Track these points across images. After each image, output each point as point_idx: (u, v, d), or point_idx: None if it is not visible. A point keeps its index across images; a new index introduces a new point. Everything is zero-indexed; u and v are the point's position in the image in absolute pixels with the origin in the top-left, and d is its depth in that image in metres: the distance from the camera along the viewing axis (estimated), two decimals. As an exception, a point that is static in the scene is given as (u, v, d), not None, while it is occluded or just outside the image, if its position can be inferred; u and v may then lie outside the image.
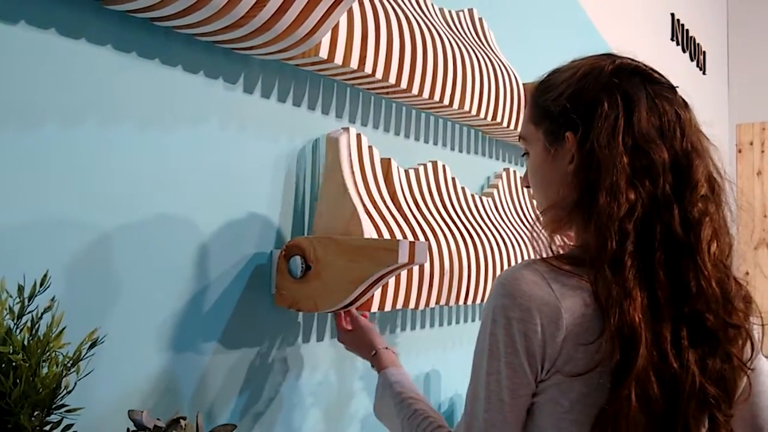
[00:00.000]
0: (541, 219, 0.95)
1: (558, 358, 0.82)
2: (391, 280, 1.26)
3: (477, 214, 1.78)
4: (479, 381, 0.86)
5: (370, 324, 1.30)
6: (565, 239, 0.95)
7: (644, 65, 0.93)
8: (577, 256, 0.87)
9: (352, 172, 1.36)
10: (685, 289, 0.83)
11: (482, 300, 1.72)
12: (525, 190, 2.12)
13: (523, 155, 1.01)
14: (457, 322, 1.90)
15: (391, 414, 1.09)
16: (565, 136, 0.90)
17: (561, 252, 0.91)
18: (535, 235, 0.94)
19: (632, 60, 0.93)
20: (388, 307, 1.39)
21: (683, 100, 0.92)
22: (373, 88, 1.49)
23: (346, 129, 1.37)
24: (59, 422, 0.83)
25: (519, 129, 1.01)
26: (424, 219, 1.53)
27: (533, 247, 0.94)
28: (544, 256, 0.90)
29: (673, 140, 0.87)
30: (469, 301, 1.67)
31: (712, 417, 0.83)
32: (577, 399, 0.82)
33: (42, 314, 0.82)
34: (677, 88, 0.93)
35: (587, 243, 0.87)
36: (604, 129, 0.86)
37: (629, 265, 0.82)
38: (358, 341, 1.27)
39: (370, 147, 1.45)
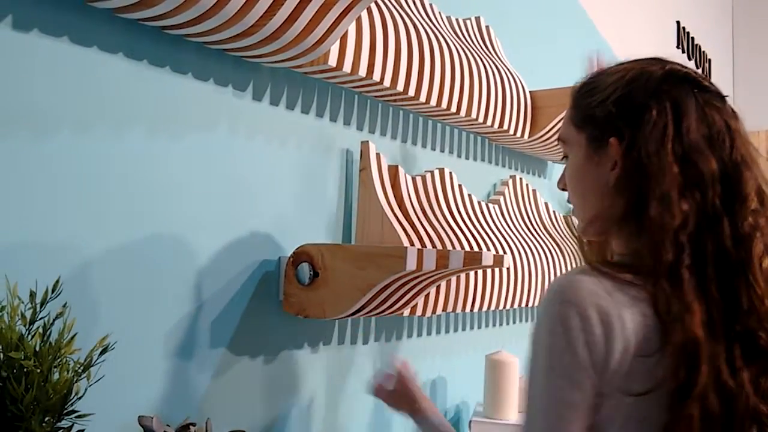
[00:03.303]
0: (581, 226, 0.93)
1: (618, 371, 0.78)
2: (395, 287, 1.26)
3: (483, 221, 1.78)
4: (537, 393, 0.80)
5: (412, 377, 1.26)
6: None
7: (694, 72, 0.89)
8: (632, 265, 0.83)
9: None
10: (736, 305, 0.80)
11: (488, 307, 1.72)
12: (531, 197, 2.12)
13: (562, 159, 0.98)
14: (464, 329, 1.90)
15: None
16: (608, 141, 0.87)
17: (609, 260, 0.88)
18: (583, 241, 0.92)
19: (682, 66, 0.89)
20: (394, 313, 1.40)
21: (732, 110, 0.88)
22: (381, 96, 1.50)
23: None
24: (70, 428, 0.83)
25: (559, 131, 0.96)
26: (431, 226, 1.54)
27: (581, 255, 0.91)
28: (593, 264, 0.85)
29: (722, 151, 0.84)
30: (476, 308, 1.68)
31: None
32: (635, 416, 0.78)
33: (54, 320, 0.83)
34: (727, 98, 0.89)
35: (639, 253, 0.83)
36: (653, 136, 0.83)
37: (686, 278, 0.79)
38: (400, 399, 1.24)
39: (377, 154, 1.46)
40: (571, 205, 0.98)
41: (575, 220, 0.98)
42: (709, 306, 0.79)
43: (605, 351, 0.77)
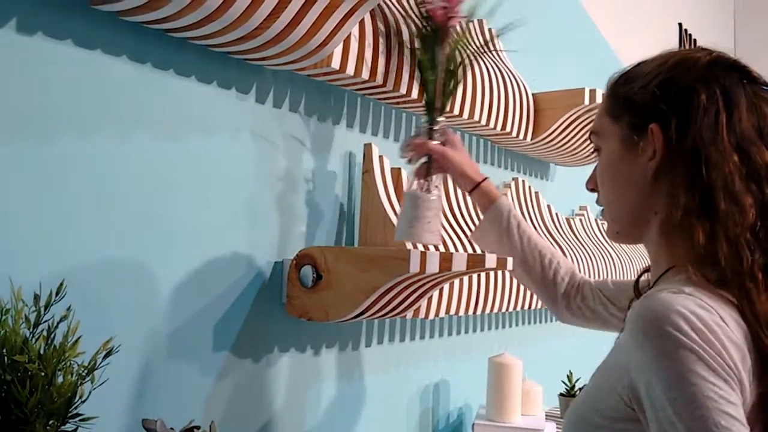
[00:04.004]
0: (613, 227, 0.88)
1: (743, 380, 0.70)
2: (398, 289, 1.26)
3: (486, 224, 1.78)
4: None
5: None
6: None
7: (742, 61, 0.85)
8: (714, 275, 0.75)
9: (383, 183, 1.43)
10: None
11: (492, 309, 1.72)
12: (533, 199, 2.11)
13: (593, 152, 0.92)
14: (467, 331, 1.89)
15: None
16: (649, 128, 0.81)
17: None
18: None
19: (729, 55, 0.85)
20: (397, 316, 1.39)
21: None
22: (384, 98, 1.50)
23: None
24: (74, 431, 0.83)
25: (592, 125, 0.91)
26: (434, 228, 1.53)
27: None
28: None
29: None
30: (479, 311, 1.67)
31: None
32: None
33: (58, 323, 0.83)
34: None
35: (715, 256, 0.75)
36: (705, 123, 0.77)
37: (761, 279, 0.74)
38: (450, 162, 1.25)
39: (380, 156, 1.46)
40: (600, 207, 0.91)
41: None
42: None
43: (741, 381, 0.70)
